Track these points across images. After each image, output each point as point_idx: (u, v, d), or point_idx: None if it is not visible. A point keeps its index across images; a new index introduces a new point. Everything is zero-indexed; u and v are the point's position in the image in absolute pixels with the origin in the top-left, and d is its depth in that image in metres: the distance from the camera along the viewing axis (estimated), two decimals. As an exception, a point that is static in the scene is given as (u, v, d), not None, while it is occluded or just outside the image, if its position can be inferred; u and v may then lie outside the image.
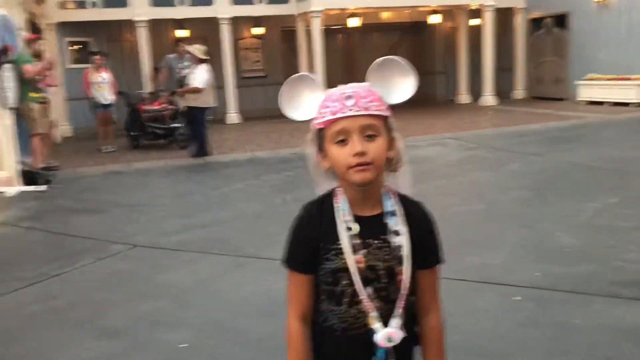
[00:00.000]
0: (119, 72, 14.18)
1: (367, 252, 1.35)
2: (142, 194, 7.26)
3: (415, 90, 1.39)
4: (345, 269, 1.35)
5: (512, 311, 3.45)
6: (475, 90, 16.15)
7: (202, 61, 9.43)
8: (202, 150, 9.49)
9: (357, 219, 1.37)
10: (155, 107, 10.99)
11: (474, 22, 16.58)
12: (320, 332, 1.42)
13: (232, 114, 14.26)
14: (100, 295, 4.08)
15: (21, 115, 8.11)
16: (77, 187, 7.85)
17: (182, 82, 10.57)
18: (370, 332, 1.35)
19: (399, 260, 1.36)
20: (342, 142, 1.31)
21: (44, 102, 8.83)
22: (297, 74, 1.43)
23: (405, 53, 18.10)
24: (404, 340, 1.36)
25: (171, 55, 11.56)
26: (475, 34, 16.02)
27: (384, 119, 1.35)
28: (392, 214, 1.38)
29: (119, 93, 11.22)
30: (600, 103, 13.66)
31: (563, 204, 5.65)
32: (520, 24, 16.34)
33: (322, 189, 1.48)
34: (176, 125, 10.75)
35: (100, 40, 14.34)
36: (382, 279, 1.36)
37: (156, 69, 12.49)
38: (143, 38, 13.32)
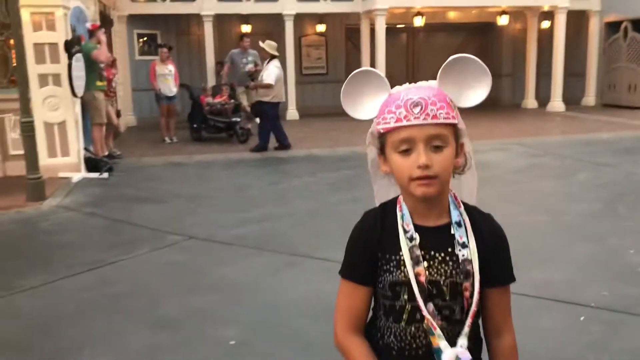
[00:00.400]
0: (185, 65, 14.48)
1: (429, 265, 1.25)
2: (202, 186, 7.33)
3: (488, 92, 1.27)
4: (406, 282, 1.25)
5: (578, 332, 3.24)
6: (543, 96, 15.57)
7: (273, 57, 9.54)
8: (281, 143, 9.67)
9: (420, 229, 1.27)
10: (217, 100, 11.13)
11: (545, 24, 15.99)
12: (376, 351, 1.32)
13: (291, 110, 14.28)
14: (155, 285, 4.11)
15: (85, 104, 8.36)
16: (138, 176, 8.01)
17: (251, 76, 10.73)
18: (430, 353, 1.24)
19: (466, 275, 1.24)
20: (406, 151, 1.21)
21: (109, 91, 9.10)
22: (361, 69, 1.31)
23: (471, 53, 17.67)
24: None
25: (235, 50, 11.66)
26: (546, 37, 15.44)
27: (453, 126, 1.24)
28: (459, 224, 1.27)
29: (182, 85, 11.42)
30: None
31: (636, 220, 5.32)
32: (594, 27, 15.64)
33: (381, 191, 1.42)
34: (237, 119, 10.85)
35: (168, 33, 14.65)
36: (445, 296, 1.25)
37: (220, 63, 12.64)
38: (209, 32, 13.51)
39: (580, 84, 16.01)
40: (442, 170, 1.20)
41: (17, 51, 6.50)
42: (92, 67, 8.21)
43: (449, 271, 1.25)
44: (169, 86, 10.72)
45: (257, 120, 10.24)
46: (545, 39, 15.38)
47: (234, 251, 4.77)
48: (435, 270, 1.25)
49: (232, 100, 11.12)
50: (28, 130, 6.47)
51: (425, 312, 1.22)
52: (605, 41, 15.81)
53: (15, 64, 7.30)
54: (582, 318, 3.38)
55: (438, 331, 1.22)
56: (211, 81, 12.91)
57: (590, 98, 15.93)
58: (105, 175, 7.82)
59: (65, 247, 4.99)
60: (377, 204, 1.40)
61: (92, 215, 5.99)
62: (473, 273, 1.25)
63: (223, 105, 10.98)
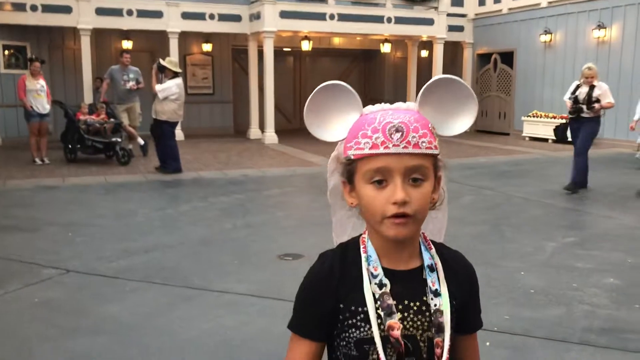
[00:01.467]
0: (58, 81, 13.51)
1: (403, 317, 1.06)
2: (78, 213, 6.71)
3: (474, 120, 1.12)
4: (373, 340, 1.06)
5: (486, 358, 3.22)
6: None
7: (175, 74, 9.14)
8: (169, 166, 9.15)
9: (390, 273, 1.08)
10: (96, 118, 10.41)
11: (424, 53, 16.83)
12: None
13: (177, 130, 13.73)
14: (28, 328, 3.59)
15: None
16: (4, 201, 7.20)
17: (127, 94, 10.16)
18: None
19: (438, 329, 1.08)
20: (379, 182, 1.03)
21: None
22: (329, 83, 1.10)
23: (355, 79, 18.18)
24: None
25: (115, 67, 11.05)
26: (425, 64, 16.23)
27: (434, 157, 1.07)
28: (431, 269, 1.11)
29: (55, 102, 10.59)
30: (545, 140, 14.01)
31: (522, 241, 5.55)
32: (467, 57, 16.70)
33: (339, 225, 1.24)
34: (117, 139, 10.20)
35: (40, 46, 13.57)
36: (422, 353, 1.08)
37: (100, 79, 11.92)
38: (86, 47, 12.68)
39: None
40: (420, 209, 1.04)
41: None
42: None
43: (425, 324, 1.08)
44: (42, 102, 9.86)
45: (142, 141, 9.70)
46: (425, 67, 16.17)
47: (120, 285, 4.33)
48: (410, 323, 1.07)
49: (112, 120, 10.46)
50: None
51: None
52: (478, 71, 16.93)
53: None
54: (487, 344, 3.38)
55: None
56: (88, 98, 12.09)
57: (465, 124, 16.91)
58: (-36, 201, 6.94)
59: None
60: (335, 238, 1.23)
61: (-52, 248, 5.22)
62: (444, 326, 1.09)
63: (102, 124, 10.29)
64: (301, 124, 19.21)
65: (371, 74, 18.80)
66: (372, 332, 1.05)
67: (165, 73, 9.16)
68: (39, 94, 9.78)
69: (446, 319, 1.09)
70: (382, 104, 1.11)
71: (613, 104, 8.02)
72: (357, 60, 18.67)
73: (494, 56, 16.36)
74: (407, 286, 1.09)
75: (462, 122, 1.11)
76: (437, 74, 15.21)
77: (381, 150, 1.02)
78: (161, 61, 9.19)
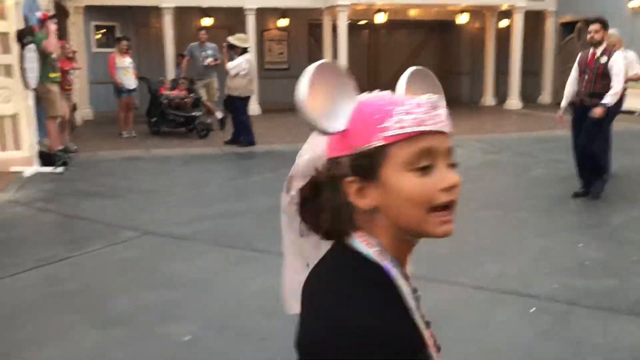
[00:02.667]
0: (143, 58, 14.21)
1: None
2: (158, 181, 7.21)
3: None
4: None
5: (529, 324, 3.31)
6: (501, 93, 15.88)
7: (244, 50, 9.47)
8: (243, 139, 9.57)
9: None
10: (176, 94, 10.97)
11: (503, 23, 16.29)
12: None
13: (253, 105, 14.19)
14: (108, 281, 4.02)
15: (39, 97, 8.12)
16: (94, 170, 7.83)
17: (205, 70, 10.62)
18: None
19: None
20: (424, 169, 0.85)
21: (64, 84, 8.86)
22: (325, 61, 0.91)
23: (430, 52, 17.91)
24: None
25: (194, 44, 11.50)
26: (504, 35, 15.72)
27: None
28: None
29: (140, 78, 11.22)
30: (631, 112, 13.31)
31: (587, 215, 5.47)
32: (550, 27, 16.02)
33: (316, 247, 0.98)
34: (196, 113, 10.72)
35: (127, 25, 14.36)
36: None
37: (181, 55, 12.46)
38: (168, 25, 13.29)
39: (537, 82, 16.38)
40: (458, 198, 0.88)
41: (-35, 40, 6.26)
42: (45, 59, 7.97)
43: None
44: (130, 79, 10.51)
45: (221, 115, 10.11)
46: (503, 38, 15.66)
47: (190, 247, 4.71)
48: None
49: (192, 95, 10.98)
50: (-23, 123, 6.24)
51: None
52: (561, 41, 16.21)
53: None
54: (532, 310, 3.46)
55: None
56: (170, 74, 12.71)
57: (545, 96, 16.31)
58: (60, 169, 7.61)
59: (15, 244, 4.83)
60: (285, 284, 1.03)
61: (44, 211, 5.82)
62: None
63: (182, 99, 10.83)
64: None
65: (447, 46, 18.42)
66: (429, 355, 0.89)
67: (235, 50, 9.49)
68: (127, 71, 10.43)
69: None
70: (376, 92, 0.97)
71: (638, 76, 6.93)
72: (433, 32, 18.33)
73: (578, 25, 15.59)
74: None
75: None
76: (517, 45, 14.76)
77: (429, 127, 0.85)
78: (230, 39, 9.52)
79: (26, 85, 7.40)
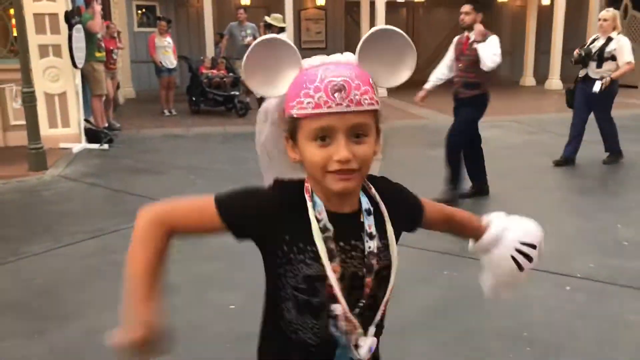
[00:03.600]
0: (183, 38, 14.45)
1: (346, 257, 1.11)
2: (200, 158, 7.43)
3: (411, 73, 1.13)
4: (324, 278, 1.09)
5: (564, 302, 3.38)
6: (541, 73, 15.60)
7: (280, 30, 9.60)
8: None
9: (334, 217, 1.12)
10: (217, 73, 11.16)
11: (545, 1, 15.95)
12: (287, 345, 1.18)
13: (290, 84, 14.31)
14: (157, 252, 4.22)
15: (85, 75, 8.40)
16: (138, 147, 8.10)
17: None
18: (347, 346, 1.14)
19: (369, 269, 1.13)
20: (323, 139, 1.05)
21: (109, 63, 9.13)
22: (267, 36, 1.10)
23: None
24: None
25: (233, 23, 11.64)
26: (546, 13, 15.41)
27: (375, 112, 1.09)
28: (369, 212, 1.15)
29: (180, 58, 11.43)
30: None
31: (626, 196, 5.45)
32: (594, 4, 15.59)
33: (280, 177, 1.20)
34: (236, 92, 10.90)
35: (167, 5, 14.59)
36: (363, 289, 1.14)
37: (220, 35, 12.62)
38: (208, 4, 13.45)
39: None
40: (364, 163, 1.07)
41: (17, 21, 6.52)
42: (90, 38, 8.22)
43: (359, 265, 1.14)
44: (170, 58, 10.74)
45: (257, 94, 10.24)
46: (545, 16, 15.35)
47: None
48: (352, 261, 1.12)
49: (232, 74, 11.15)
50: (30, 100, 6.52)
51: (348, 314, 1.10)
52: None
53: (15, 34, 7.35)
54: (568, 288, 3.52)
55: (359, 330, 1.12)
56: (210, 53, 12.90)
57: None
58: (106, 146, 7.90)
59: (68, 216, 5.10)
60: (262, 161, 1.28)
61: (93, 185, 6.09)
62: (385, 266, 1.15)
63: (222, 79, 11.02)
64: (412, 77, 19.07)
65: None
66: (320, 269, 1.09)
67: (272, 29, 9.60)
68: (166, 51, 10.66)
69: (393, 257, 1.15)
70: (322, 56, 1.12)
71: (632, 65, 6.39)
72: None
73: (624, 2, 15.16)
74: (349, 228, 1.13)
75: (402, 73, 1.13)
76: (559, 23, 14.44)
77: (324, 109, 1.02)
78: (267, 19, 9.63)
79: (74, 64, 7.67)
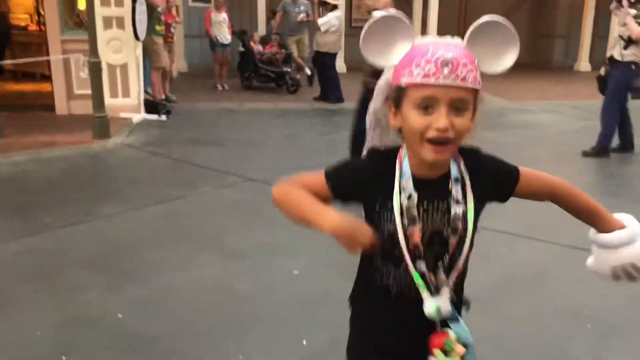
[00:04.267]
0: (236, 13, 14.57)
1: (427, 217, 1.24)
2: (255, 133, 7.58)
3: (514, 61, 1.21)
4: (398, 239, 1.25)
5: (626, 285, 3.38)
6: (598, 59, 15.18)
7: (334, 7, 9.68)
8: (332, 95, 9.82)
9: (419, 182, 1.24)
10: (269, 50, 11.27)
11: (605, -16, 15.47)
12: (374, 291, 1.34)
13: (339, 62, 14.29)
14: (222, 219, 4.40)
15: (145, 48, 8.62)
16: (194, 120, 8.31)
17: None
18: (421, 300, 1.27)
19: (454, 231, 1.25)
20: (426, 109, 1.16)
21: (167, 36, 9.34)
22: (386, 14, 1.21)
23: (524, 14, 17.26)
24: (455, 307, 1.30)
25: (288, 0, 11.70)
26: (605, -3, 14.95)
27: (476, 91, 1.19)
28: (457, 180, 1.25)
29: (234, 33, 11.58)
30: None
31: None
32: (657, -11, 15.04)
33: (381, 140, 1.34)
34: (287, 69, 11.00)
35: (221, -19, 14.70)
36: (443, 247, 1.26)
37: (273, 12, 12.71)
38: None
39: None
40: (459, 135, 1.17)
41: (86, -7, 6.74)
42: (152, 12, 8.43)
43: (445, 224, 1.25)
44: (225, 34, 10.89)
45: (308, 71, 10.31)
46: (604, 1, 14.88)
47: (291, 194, 5.01)
48: (432, 221, 1.24)
49: (283, 50, 11.25)
50: (96, 70, 6.77)
51: (411, 270, 1.24)
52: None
53: (80, 7, 7.60)
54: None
55: (421, 285, 1.25)
56: (262, 30, 13.01)
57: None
58: (164, 117, 8.14)
59: (133, 182, 5.32)
60: (370, 127, 1.37)
61: (155, 154, 6.32)
62: (463, 231, 1.25)
63: (274, 55, 11.12)
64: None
65: (543, 8, 17.69)
66: (396, 231, 1.23)
67: (326, 6, 9.64)
68: (222, 26, 10.81)
69: (469, 223, 1.25)
70: (433, 36, 1.23)
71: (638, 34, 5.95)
72: (529, -8, 17.65)
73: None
74: (434, 191, 1.24)
75: (505, 62, 1.21)
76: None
77: (432, 80, 1.13)
78: None
79: (136, 36, 7.89)
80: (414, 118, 1.17)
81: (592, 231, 1.40)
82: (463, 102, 1.16)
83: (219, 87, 11.12)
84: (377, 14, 1.22)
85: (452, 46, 1.16)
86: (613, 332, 2.91)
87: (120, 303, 3.11)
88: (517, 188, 1.33)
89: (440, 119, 1.14)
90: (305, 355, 2.68)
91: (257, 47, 11.28)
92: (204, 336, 2.81)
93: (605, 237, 1.35)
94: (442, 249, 1.26)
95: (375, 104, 1.32)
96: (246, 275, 3.46)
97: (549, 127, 8.24)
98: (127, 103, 8.11)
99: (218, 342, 2.77)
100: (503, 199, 1.35)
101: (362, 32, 1.20)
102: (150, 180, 5.41)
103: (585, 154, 6.47)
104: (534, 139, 7.54)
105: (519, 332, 2.91)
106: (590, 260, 1.41)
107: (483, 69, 1.20)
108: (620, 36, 6.17)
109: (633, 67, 6.16)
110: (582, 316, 3.03)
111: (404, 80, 1.16)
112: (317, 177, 1.31)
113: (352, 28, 15.52)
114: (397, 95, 1.20)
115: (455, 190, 1.24)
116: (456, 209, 1.23)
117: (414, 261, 1.24)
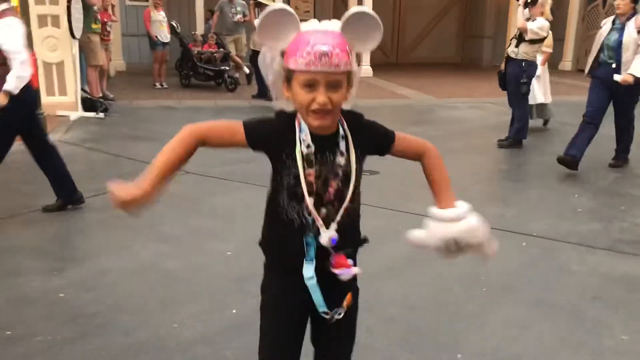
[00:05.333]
0: (174, 13, 14.64)
1: (320, 166, 1.57)
2: (192, 129, 7.77)
3: (377, 44, 1.55)
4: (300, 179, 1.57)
5: (519, 254, 3.87)
6: (522, 58, 16.06)
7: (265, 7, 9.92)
8: (269, 92, 10.03)
9: (315, 137, 1.56)
10: (207, 48, 11.45)
11: (528, -12, 16.36)
12: (280, 224, 1.64)
13: (278, 61, 14.60)
14: (157, 209, 4.55)
15: (81, 46, 8.68)
16: (132, 117, 8.44)
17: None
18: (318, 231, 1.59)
19: (335, 175, 1.59)
20: (310, 87, 1.48)
21: (103, 35, 9.40)
22: (278, 6, 1.53)
23: (455, 15, 18.03)
24: (346, 243, 1.62)
25: (224, 0, 11.90)
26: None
27: (349, 71, 1.52)
28: (342, 137, 1.60)
29: (172, 33, 11.69)
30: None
31: (588, 172, 5.95)
32: (575, -7, 16.07)
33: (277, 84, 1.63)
34: (225, 68, 11.22)
35: (158, -20, 14.72)
36: (328, 191, 1.59)
37: (210, 11, 12.88)
38: (199, -20, 13.67)
39: (559, 48, 16.51)
40: (336, 106, 1.52)
41: (20, -9, 6.79)
42: (88, 10, 8.50)
43: (332, 171, 1.59)
44: (164, 32, 11.01)
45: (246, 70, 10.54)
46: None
47: (226, 184, 5.31)
48: (325, 167, 1.58)
49: (222, 49, 11.46)
50: (31, 68, 6.81)
51: (309, 206, 1.56)
52: (585, 7, 16.27)
53: (13, 2, 7.59)
54: (524, 244, 4.01)
55: (319, 221, 1.58)
56: (200, 29, 13.16)
57: (567, 63, 16.47)
58: (102, 115, 8.23)
59: (74, 176, 5.44)
60: (272, 91, 1.66)
61: (93, 150, 6.46)
62: (344, 176, 1.59)
63: (213, 54, 11.32)
64: (398, 59, 19.42)
65: (472, 9, 18.54)
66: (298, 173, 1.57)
67: (261, 8, 9.92)
68: (161, 25, 10.93)
69: (352, 170, 1.59)
70: (315, 22, 1.54)
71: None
72: (459, -6, 18.44)
73: (604, -9, 15.64)
74: (325, 146, 1.58)
75: (372, 43, 1.55)
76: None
77: (312, 68, 1.46)
78: None
79: (72, 34, 7.96)
80: (300, 94, 1.49)
81: (433, 208, 1.73)
82: (337, 82, 1.49)
83: (158, 85, 11.23)
84: (269, 8, 1.52)
85: (328, 35, 1.48)
86: (505, 295, 3.35)
87: (62, 284, 3.33)
88: (393, 147, 1.69)
89: (320, 96, 1.47)
90: (236, 322, 2.98)
91: (197, 47, 11.45)
92: (140, 310, 3.08)
93: (444, 211, 1.68)
94: (328, 193, 1.58)
95: (265, 59, 1.63)
96: (181, 258, 3.73)
97: (472, 122, 8.82)
98: (63, 101, 8.17)
99: (154, 313, 3.05)
100: (381, 153, 1.71)
101: (257, 23, 1.54)
102: (89, 174, 5.56)
103: (501, 145, 7.03)
104: (458, 132, 8.06)
105: (423, 296, 3.31)
106: (418, 232, 1.73)
107: (355, 49, 1.54)
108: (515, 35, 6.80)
109: (523, 64, 6.80)
110: (480, 282, 3.46)
111: (292, 67, 1.49)
112: (236, 124, 1.62)
113: (291, 28, 15.85)
114: (287, 75, 1.53)
115: (341, 145, 1.59)
116: (339, 159, 1.58)
117: (311, 198, 1.56)
